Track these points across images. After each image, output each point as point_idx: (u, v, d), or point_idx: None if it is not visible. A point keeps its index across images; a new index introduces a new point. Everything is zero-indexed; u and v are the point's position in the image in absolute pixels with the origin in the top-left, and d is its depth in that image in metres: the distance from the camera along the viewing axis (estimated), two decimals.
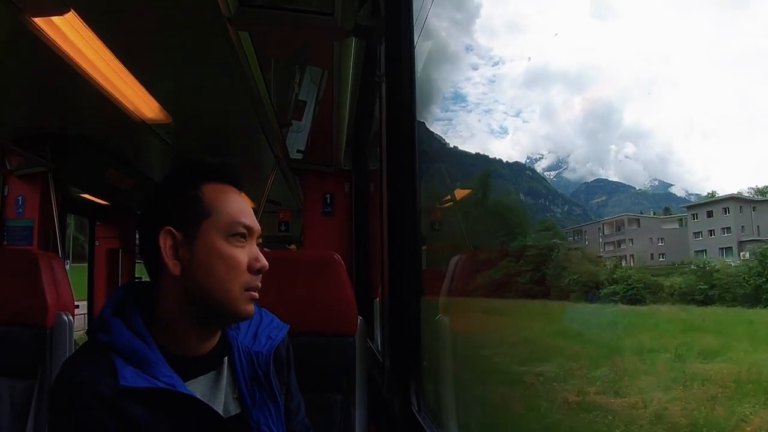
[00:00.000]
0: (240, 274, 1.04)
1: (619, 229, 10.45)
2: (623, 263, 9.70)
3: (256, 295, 1.07)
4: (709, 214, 8.91)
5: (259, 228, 1.10)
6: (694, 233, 9.05)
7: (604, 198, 11.64)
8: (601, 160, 12.34)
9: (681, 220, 9.91)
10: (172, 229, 1.03)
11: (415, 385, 1.53)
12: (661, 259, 9.69)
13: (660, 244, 9.97)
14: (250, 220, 1.08)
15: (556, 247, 10.22)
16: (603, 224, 10.68)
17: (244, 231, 1.06)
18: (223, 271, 1.03)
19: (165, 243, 1.03)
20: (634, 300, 8.16)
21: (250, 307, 1.07)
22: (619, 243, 10.25)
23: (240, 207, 1.08)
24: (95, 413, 0.93)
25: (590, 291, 8.83)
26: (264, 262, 1.07)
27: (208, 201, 1.05)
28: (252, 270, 1.06)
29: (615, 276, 8.71)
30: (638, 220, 10.61)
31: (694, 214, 9.29)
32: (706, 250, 8.57)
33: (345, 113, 2.88)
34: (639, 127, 12.81)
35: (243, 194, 1.15)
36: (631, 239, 10.22)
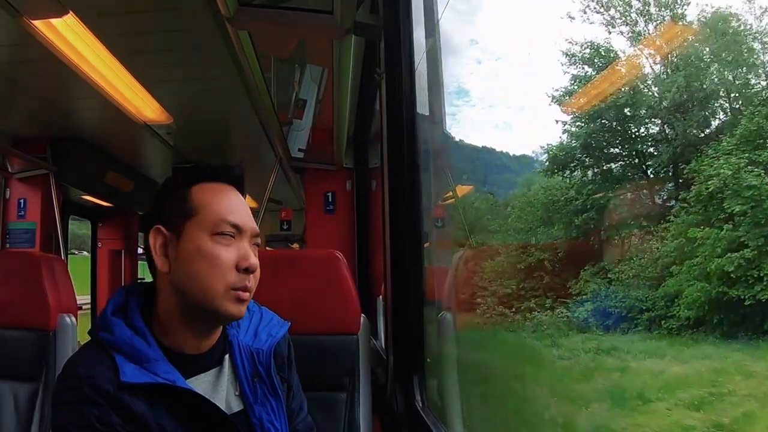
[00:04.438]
0: (223, 272, 1.03)
1: None
2: None
3: (245, 295, 1.05)
4: None
5: (253, 227, 1.09)
6: None
7: None
8: None
9: None
10: (161, 227, 1.05)
11: (419, 382, 1.54)
12: None
13: None
14: (240, 218, 1.07)
15: None
16: None
17: (231, 230, 1.05)
18: (204, 270, 1.03)
19: (155, 241, 1.05)
20: None
21: (237, 308, 1.05)
22: None
23: (230, 205, 1.07)
24: (98, 407, 0.94)
25: None
26: (252, 261, 1.05)
27: (196, 200, 1.06)
28: (239, 269, 1.04)
29: None
30: None
31: None
32: None
33: (345, 111, 2.88)
34: None
35: (238, 193, 1.14)
36: None
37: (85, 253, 8.59)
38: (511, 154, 14.09)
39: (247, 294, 1.06)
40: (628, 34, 10.97)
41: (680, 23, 10.33)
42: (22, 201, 3.98)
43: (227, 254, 1.04)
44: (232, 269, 1.04)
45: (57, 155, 3.94)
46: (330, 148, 3.64)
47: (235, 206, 1.08)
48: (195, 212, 1.05)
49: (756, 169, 7.72)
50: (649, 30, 10.75)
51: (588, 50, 11.08)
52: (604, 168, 10.84)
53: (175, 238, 1.05)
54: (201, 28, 2.37)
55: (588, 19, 11.05)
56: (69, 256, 4.63)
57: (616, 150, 10.83)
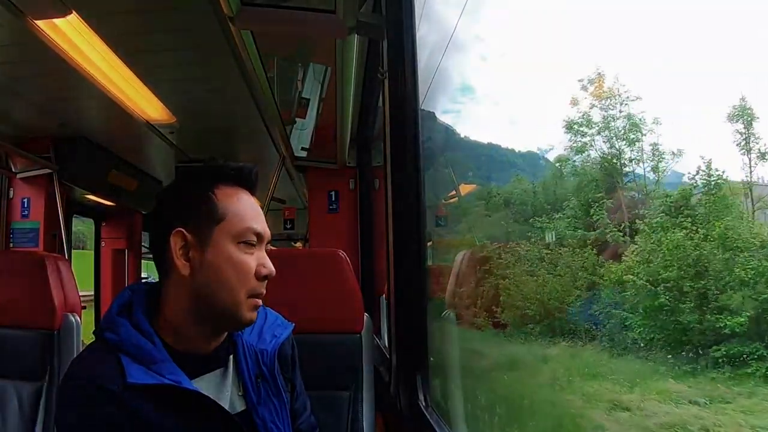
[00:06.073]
0: (248, 280, 1.04)
1: None
2: None
3: (260, 302, 1.07)
4: None
5: (269, 234, 1.10)
6: None
7: None
8: None
9: None
10: (183, 230, 1.03)
11: (422, 381, 1.53)
12: None
13: None
14: (262, 226, 1.08)
15: None
16: None
17: (255, 238, 1.06)
18: (231, 277, 1.03)
19: (175, 244, 1.03)
20: None
21: (253, 315, 1.07)
22: None
23: (253, 213, 1.08)
24: (103, 408, 0.94)
25: None
26: (271, 268, 1.07)
27: (222, 205, 1.05)
28: (258, 276, 1.05)
29: None
30: None
31: None
32: None
33: (348, 110, 2.88)
34: None
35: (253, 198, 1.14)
36: None
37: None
38: None
39: (261, 301, 1.08)
40: None
41: None
42: (25, 200, 3.99)
43: (251, 262, 1.05)
44: (253, 276, 1.05)
45: (60, 154, 3.95)
46: (333, 147, 3.64)
47: (258, 213, 1.09)
48: (223, 218, 1.04)
49: None
50: None
51: None
52: None
53: (198, 242, 1.03)
54: (204, 28, 2.37)
55: None
56: None
57: None
